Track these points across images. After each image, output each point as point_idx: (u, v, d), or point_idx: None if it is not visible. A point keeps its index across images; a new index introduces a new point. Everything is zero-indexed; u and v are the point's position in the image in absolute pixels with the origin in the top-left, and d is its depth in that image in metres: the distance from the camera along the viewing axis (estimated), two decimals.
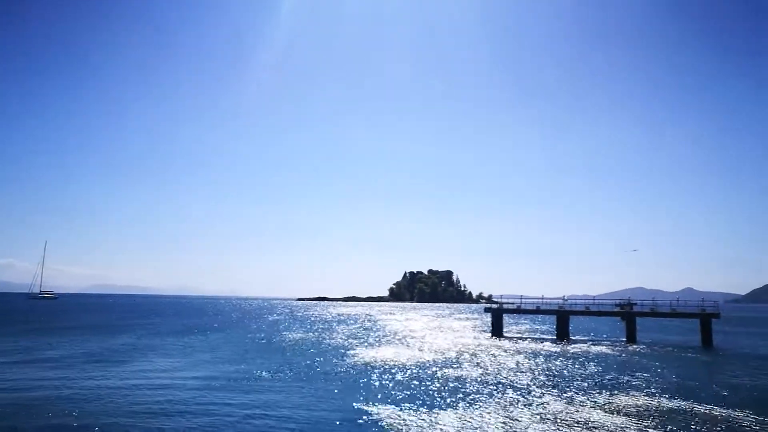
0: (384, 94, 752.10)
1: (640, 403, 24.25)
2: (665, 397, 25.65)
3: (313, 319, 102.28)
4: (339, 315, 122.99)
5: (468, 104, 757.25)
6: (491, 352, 44.68)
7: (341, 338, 56.89)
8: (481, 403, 23.72)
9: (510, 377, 31.70)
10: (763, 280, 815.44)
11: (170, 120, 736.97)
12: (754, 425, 20.16)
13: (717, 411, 22.56)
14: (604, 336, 64.56)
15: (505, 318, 73.60)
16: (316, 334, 62.88)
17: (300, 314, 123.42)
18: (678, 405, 23.90)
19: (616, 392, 27.03)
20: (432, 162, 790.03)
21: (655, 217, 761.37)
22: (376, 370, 33.32)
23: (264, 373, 31.79)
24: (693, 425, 20.07)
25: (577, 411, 22.36)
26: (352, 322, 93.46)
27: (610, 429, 19.25)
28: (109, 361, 35.63)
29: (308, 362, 36.89)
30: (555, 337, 59.09)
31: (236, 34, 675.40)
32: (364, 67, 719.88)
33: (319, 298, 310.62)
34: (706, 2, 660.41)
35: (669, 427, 19.73)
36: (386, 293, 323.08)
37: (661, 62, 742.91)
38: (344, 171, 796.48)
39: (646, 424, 20.05)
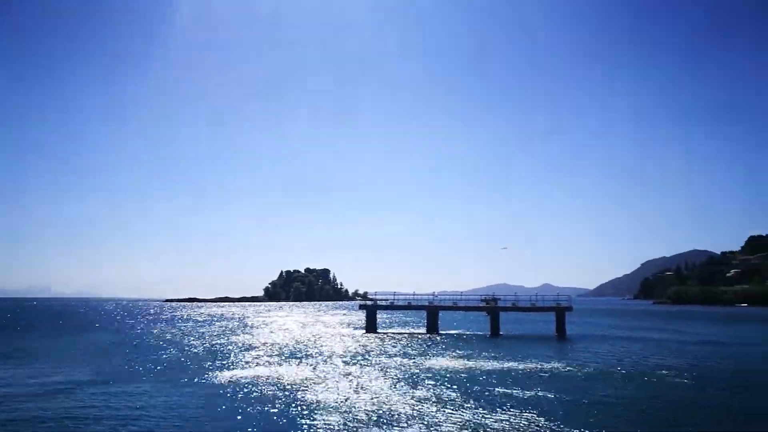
0: (259, 89, 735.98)
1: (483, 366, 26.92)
2: (515, 362, 30.05)
3: (182, 319, 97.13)
4: (210, 315, 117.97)
5: (337, 101, 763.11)
6: (346, 338, 46.04)
7: (211, 335, 54.42)
8: (325, 367, 31.73)
9: (358, 353, 36.14)
10: (608, 276, 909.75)
11: (14, 107, 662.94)
12: (587, 384, 24.78)
13: (562, 371, 27.80)
14: (471, 329, 67.68)
15: (382, 315, 74.63)
16: (185, 333, 59.68)
17: (168, 315, 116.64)
18: (526, 369, 30.60)
19: (443, 356, 30.62)
20: (305, 162, 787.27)
21: (517, 218, 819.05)
22: (240, 359, 32.79)
23: (124, 372, 30.30)
24: (547, 384, 23.67)
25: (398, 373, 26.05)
26: (223, 320, 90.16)
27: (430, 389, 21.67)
28: None
29: (175, 358, 35.73)
30: (425, 331, 60.90)
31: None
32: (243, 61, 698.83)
33: (190, 299, 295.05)
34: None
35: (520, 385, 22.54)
36: (261, 293, 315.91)
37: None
38: (215, 168, 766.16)
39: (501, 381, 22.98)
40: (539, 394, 24.34)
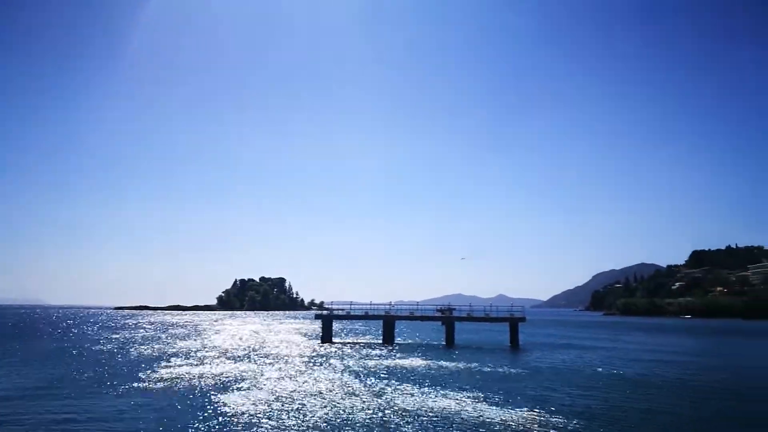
0: (212, 94, 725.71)
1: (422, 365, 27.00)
2: (465, 364, 30.16)
3: (133, 327, 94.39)
4: (162, 323, 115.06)
5: (292, 108, 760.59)
6: (302, 347, 45.85)
7: (161, 343, 53.10)
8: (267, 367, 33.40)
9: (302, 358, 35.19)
10: (561, 288, 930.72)
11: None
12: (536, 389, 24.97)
13: (514, 377, 27.36)
14: (426, 339, 68.27)
15: (338, 325, 74.37)
16: (135, 340, 58.04)
17: (118, 323, 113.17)
18: (480, 370, 30.62)
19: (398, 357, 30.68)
20: (260, 170, 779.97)
21: (473, 229, 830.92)
22: (190, 367, 32.44)
23: (71, 380, 29.53)
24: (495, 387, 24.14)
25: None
26: (175, 328, 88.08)
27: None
28: None
29: (123, 366, 34.91)
30: (381, 341, 61.06)
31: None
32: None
33: (141, 307, 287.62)
34: None
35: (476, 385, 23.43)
36: (215, 302, 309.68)
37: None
38: (168, 175, 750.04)
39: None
40: (488, 394, 25.34)
